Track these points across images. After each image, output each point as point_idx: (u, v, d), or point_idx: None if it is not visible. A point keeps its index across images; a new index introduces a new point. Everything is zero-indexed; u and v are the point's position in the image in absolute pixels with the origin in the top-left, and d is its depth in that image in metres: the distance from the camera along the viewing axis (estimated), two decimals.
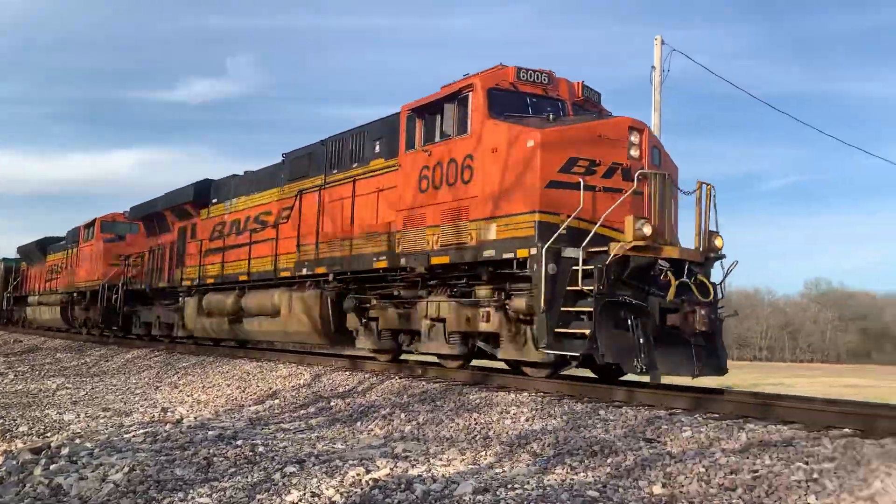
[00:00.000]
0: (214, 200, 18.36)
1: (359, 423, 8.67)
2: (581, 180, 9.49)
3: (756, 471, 5.24)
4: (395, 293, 12.05)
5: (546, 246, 9.13)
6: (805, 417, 6.99)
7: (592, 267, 8.94)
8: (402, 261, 11.56)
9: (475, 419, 8.03)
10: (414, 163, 11.56)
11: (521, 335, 9.82)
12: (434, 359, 11.66)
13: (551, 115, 10.44)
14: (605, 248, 9.08)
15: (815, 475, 4.95)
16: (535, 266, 9.28)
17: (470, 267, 10.48)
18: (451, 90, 10.96)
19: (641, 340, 8.73)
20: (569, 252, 9.25)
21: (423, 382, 10.45)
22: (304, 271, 14.09)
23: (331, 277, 13.32)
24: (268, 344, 18.44)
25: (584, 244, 9.15)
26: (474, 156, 10.42)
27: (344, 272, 13.01)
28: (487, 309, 10.30)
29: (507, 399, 8.70)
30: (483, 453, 6.76)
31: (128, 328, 23.23)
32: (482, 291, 10.51)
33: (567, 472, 5.87)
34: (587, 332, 8.79)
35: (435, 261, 10.91)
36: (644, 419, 7.13)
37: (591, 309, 8.81)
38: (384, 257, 11.94)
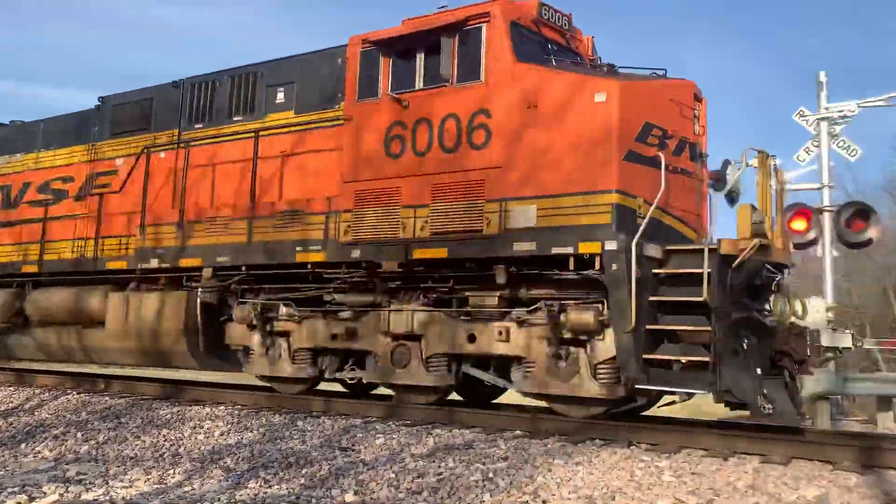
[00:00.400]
0: None
1: (23, 445, 7.72)
2: (659, 155, 7.05)
3: (440, 473, 5.55)
4: (329, 298, 8.54)
5: (635, 240, 6.57)
6: (485, 422, 7.20)
7: (699, 271, 6.55)
8: (355, 253, 8.16)
9: (164, 435, 7.54)
10: (376, 117, 8.27)
11: (570, 362, 7.09)
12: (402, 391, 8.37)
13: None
14: (703, 247, 6.73)
15: (490, 474, 5.35)
16: (613, 266, 6.66)
17: (479, 263, 7.49)
18: (449, 19, 7.85)
19: (759, 371, 6.52)
20: (651, 250, 6.78)
21: (107, 398, 9.49)
22: (156, 263, 9.77)
23: (208, 274, 9.27)
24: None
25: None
26: (492, 111, 7.50)
27: (235, 267, 9.08)
28: (506, 324, 7.41)
29: (201, 413, 8.27)
30: (171, 472, 6.32)
31: None
32: (489, 300, 7.60)
33: (260, 486, 5.71)
34: (704, 359, 6.36)
35: (421, 254, 7.73)
36: (340, 428, 7.17)
37: (707, 328, 6.41)
38: (318, 247, 8.42)
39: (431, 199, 7.73)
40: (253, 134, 9.23)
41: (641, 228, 6.70)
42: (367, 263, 8.14)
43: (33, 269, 11.38)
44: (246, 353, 9.36)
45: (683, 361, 6.48)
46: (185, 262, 9.54)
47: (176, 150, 10.08)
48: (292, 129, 9.06)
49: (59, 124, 12.03)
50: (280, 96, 9.50)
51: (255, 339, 9.14)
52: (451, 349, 7.78)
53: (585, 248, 6.84)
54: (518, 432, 6.85)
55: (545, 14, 8.11)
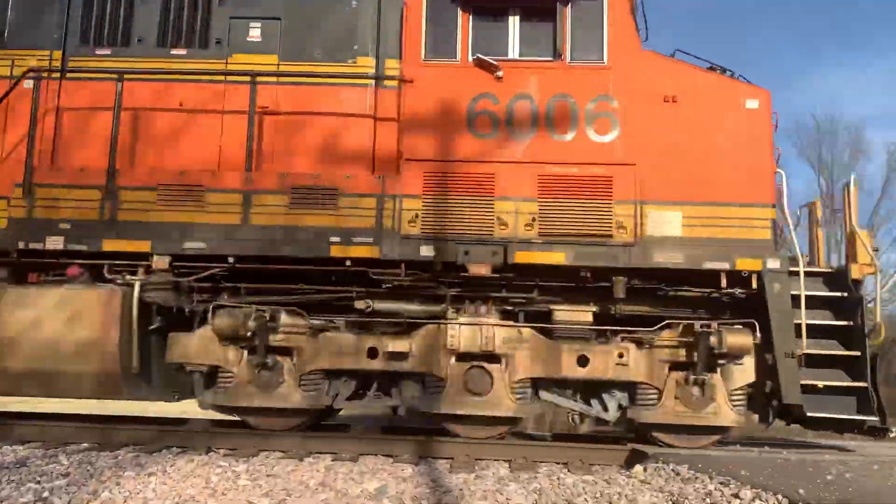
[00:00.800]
0: None
1: None
2: (780, 171, 6.86)
3: None
4: (364, 307, 6.63)
5: (802, 259, 6.30)
6: (44, 436, 6.55)
7: (834, 294, 6.50)
8: (426, 251, 6.44)
9: None
10: (452, 84, 6.64)
11: (705, 389, 6.46)
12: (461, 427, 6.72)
13: None
14: (831, 269, 6.72)
15: (45, 493, 4.72)
16: (776, 286, 6.26)
17: (595, 273, 6.48)
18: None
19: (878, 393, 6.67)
20: (809, 269, 6.58)
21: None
22: (60, 244, 6.60)
23: (162, 264, 6.54)
24: None
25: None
26: (617, 98, 6.55)
27: (216, 257, 6.54)
28: (624, 345, 6.50)
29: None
30: None
31: None
32: (582, 315, 6.64)
33: None
34: (860, 384, 6.29)
35: (528, 258, 6.39)
36: None
37: (857, 353, 6.36)
38: (369, 239, 6.47)
39: (538, 192, 6.41)
40: (224, 78, 6.76)
41: (797, 246, 6.37)
42: (443, 265, 6.44)
43: None
44: (210, 377, 6.74)
45: (841, 386, 6.28)
46: (116, 246, 6.54)
47: (83, 81, 6.90)
48: (286, 78, 6.82)
49: None
50: (253, 32, 7.13)
51: (238, 356, 6.63)
52: (546, 373, 6.52)
53: (745, 264, 6.28)
54: (85, 445, 6.36)
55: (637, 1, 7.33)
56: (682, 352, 6.44)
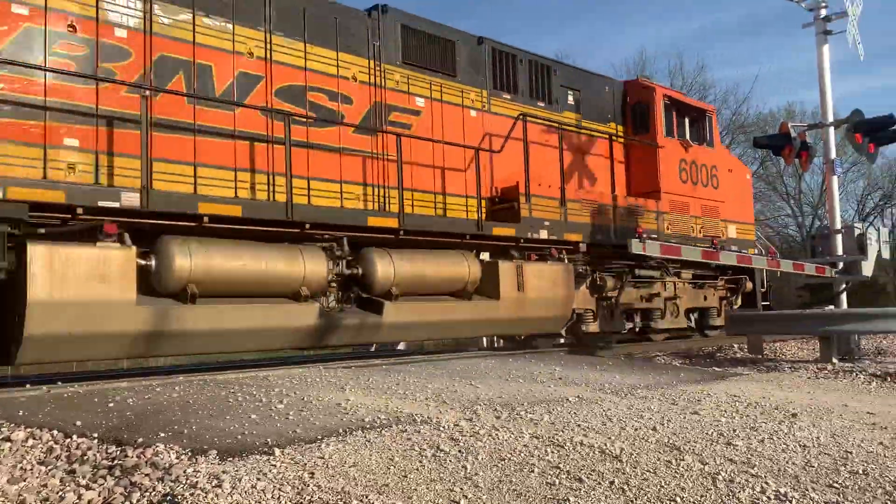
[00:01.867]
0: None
1: None
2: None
3: None
4: (636, 273, 11.94)
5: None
6: None
7: None
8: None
9: None
10: (673, 151, 12.41)
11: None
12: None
13: None
14: None
15: None
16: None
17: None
18: (695, 104, 13.21)
19: None
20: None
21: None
22: (545, 234, 10.09)
23: (583, 248, 10.72)
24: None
25: None
26: (717, 168, 13.36)
27: (597, 244, 10.85)
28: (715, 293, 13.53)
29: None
30: None
31: None
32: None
33: None
34: None
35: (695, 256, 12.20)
36: None
37: None
38: (655, 236, 11.86)
39: (701, 213, 12.78)
40: (606, 135, 11.28)
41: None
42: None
43: (389, 223, 8.32)
44: (588, 317, 11.03)
45: None
46: (569, 237, 10.31)
47: (517, 120, 10.04)
48: (591, 133, 11.38)
49: (314, 8, 8.39)
50: (570, 98, 11.51)
51: (594, 304, 11.13)
52: (692, 304, 12.97)
53: (749, 252, 13.90)
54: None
55: None
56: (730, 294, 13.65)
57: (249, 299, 7.11)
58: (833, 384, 7.71)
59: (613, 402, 5.95)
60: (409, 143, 8.71)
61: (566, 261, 10.20)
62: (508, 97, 10.29)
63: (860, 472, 4.03)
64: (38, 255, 5.84)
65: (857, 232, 11.85)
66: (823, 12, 11.38)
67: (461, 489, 3.61)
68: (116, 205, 6.35)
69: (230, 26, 7.63)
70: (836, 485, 3.84)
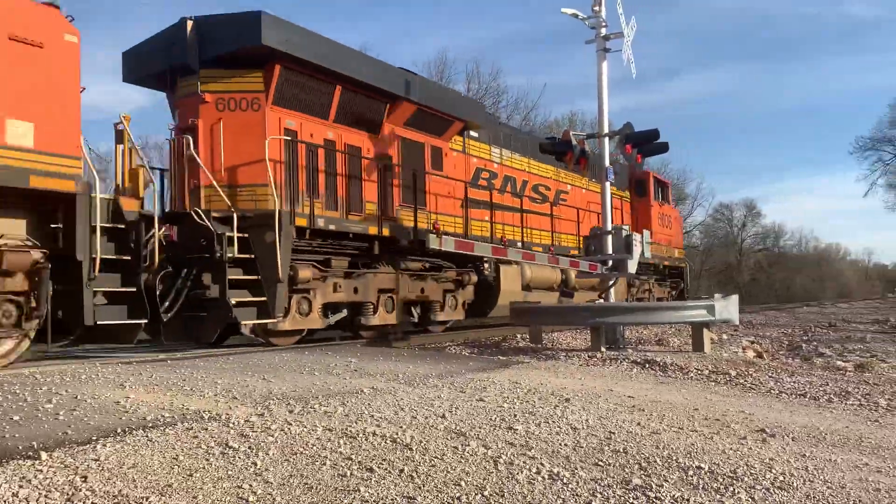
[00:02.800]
0: (474, 135, 14.83)
1: None
2: None
3: None
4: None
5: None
6: None
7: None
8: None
9: None
10: (657, 208, 21.18)
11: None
12: None
13: None
14: None
15: None
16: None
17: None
18: (664, 181, 21.07)
19: None
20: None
21: None
22: None
23: None
24: None
25: None
26: (671, 217, 21.07)
27: None
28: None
29: None
30: None
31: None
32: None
33: None
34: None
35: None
36: None
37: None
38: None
39: (666, 243, 15.94)
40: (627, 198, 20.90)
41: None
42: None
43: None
44: None
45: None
46: None
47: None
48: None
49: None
50: (588, 173, 17.00)
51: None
52: None
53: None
54: None
55: None
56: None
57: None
58: (601, 371, 8.49)
59: (406, 392, 6.10)
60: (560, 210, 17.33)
61: None
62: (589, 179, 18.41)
63: (621, 450, 4.48)
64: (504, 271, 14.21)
65: (624, 233, 13.11)
66: (603, 31, 12.39)
67: (250, 485, 3.52)
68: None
69: (525, 158, 16.43)
70: (601, 463, 4.24)
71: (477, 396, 6.06)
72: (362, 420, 4.93)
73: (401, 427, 4.76)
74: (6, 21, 7.26)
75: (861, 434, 5.30)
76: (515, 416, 5.33)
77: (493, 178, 15.21)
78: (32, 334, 7.52)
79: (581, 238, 16.91)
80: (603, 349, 10.41)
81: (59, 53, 7.65)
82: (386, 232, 11.60)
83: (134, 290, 8.01)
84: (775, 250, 77.79)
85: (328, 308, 11.11)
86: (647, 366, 8.91)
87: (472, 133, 14.72)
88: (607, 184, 12.26)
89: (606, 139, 12.38)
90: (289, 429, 4.58)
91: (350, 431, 4.58)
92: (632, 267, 11.94)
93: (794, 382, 8.10)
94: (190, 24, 10.07)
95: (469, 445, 4.40)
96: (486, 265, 14.16)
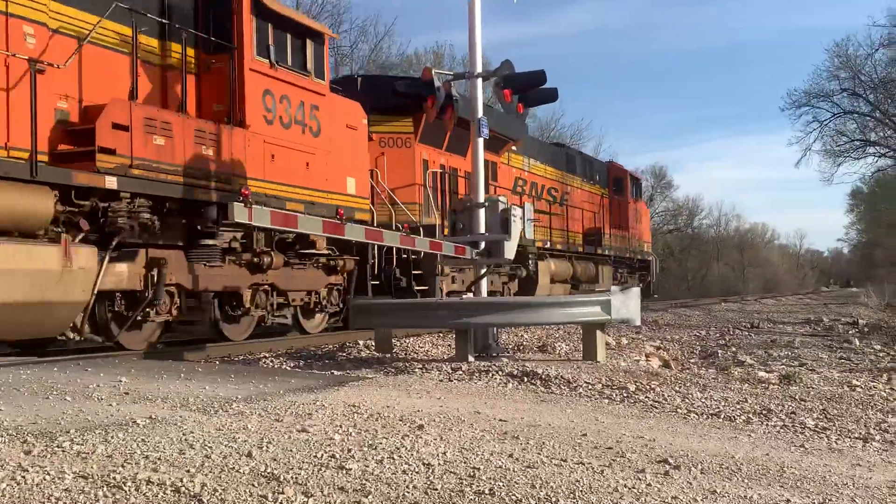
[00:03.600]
0: (514, 150, 23.84)
1: None
2: None
3: None
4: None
5: None
6: None
7: None
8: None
9: None
10: (633, 205, 32.09)
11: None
12: None
13: None
14: None
15: None
16: None
17: None
18: (637, 176, 32.93)
19: None
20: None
21: None
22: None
23: None
24: None
25: None
26: (641, 212, 34.80)
27: None
28: None
29: None
30: None
31: None
32: None
33: None
34: None
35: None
36: None
37: None
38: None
39: (637, 237, 28.61)
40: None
41: None
42: None
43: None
44: None
45: None
46: None
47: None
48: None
49: (551, 151, 27.80)
50: (597, 176, 30.87)
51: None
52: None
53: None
54: None
55: None
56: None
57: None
58: (467, 387, 8.67)
59: (199, 423, 5.94)
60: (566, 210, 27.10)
61: None
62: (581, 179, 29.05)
63: (487, 491, 4.58)
64: (540, 266, 24.14)
65: (500, 207, 13.37)
66: None
67: None
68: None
69: (542, 164, 25.97)
70: None
71: (299, 426, 5.99)
72: (133, 463, 4.74)
73: (188, 471, 4.62)
74: (345, 115, 14.80)
75: (783, 463, 5.71)
76: (350, 450, 5.31)
77: (524, 184, 24.62)
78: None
79: (583, 235, 27.91)
80: (471, 358, 10.63)
81: (361, 130, 15.47)
82: None
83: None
84: (689, 231, 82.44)
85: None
86: (526, 379, 9.18)
87: (514, 148, 23.37)
88: (479, 141, 12.46)
89: (479, 81, 12.57)
90: (24, 478, 4.32)
91: (114, 479, 4.39)
92: (509, 251, 12.24)
93: (707, 399, 8.62)
94: (359, 80, 18.44)
95: (284, 493, 4.34)
96: (530, 260, 23.04)
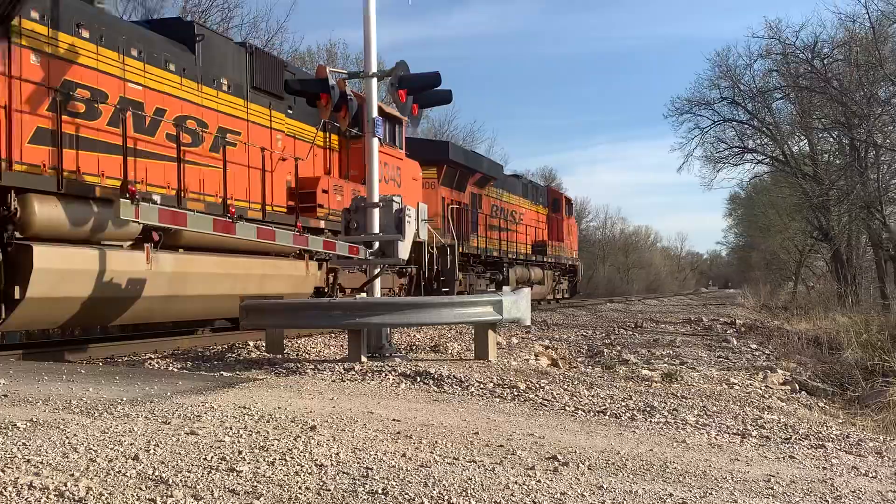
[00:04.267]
0: (492, 185, 31.34)
1: None
2: None
3: None
4: None
5: None
6: None
7: None
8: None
9: None
10: (566, 220, 41.01)
11: None
12: None
13: None
14: None
15: None
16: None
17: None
18: (569, 198, 42.63)
19: None
20: None
21: None
22: None
23: None
24: None
25: None
26: (571, 227, 44.33)
27: None
28: None
29: None
30: None
31: None
32: None
33: None
34: None
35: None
36: None
37: None
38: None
39: (566, 245, 35.32)
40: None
41: None
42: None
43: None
44: None
45: None
46: None
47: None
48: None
49: (512, 182, 35.27)
50: (540, 197, 39.05)
51: None
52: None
53: None
54: None
55: None
56: None
57: None
58: (360, 388, 8.64)
59: (82, 426, 5.76)
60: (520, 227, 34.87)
61: None
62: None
63: (380, 491, 4.58)
64: (510, 272, 32.63)
65: (395, 207, 13.38)
66: None
67: None
68: None
69: (508, 193, 34.27)
70: None
71: (187, 428, 5.87)
72: (13, 467, 4.56)
73: (72, 475, 4.48)
74: (412, 171, 21.65)
75: (666, 458, 5.89)
76: (241, 452, 5.24)
77: (498, 210, 31.51)
78: None
79: (532, 246, 35.06)
80: (364, 359, 10.60)
81: (419, 180, 22.56)
82: None
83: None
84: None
85: None
86: (419, 379, 9.22)
87: (492, 183, 30.86)
88: (374, 140, 12.45)
89: (374, 81, 12.55)
90: None
91: None
92: (403, 251, 12.26)
93: (594, 396, 8.83)
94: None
95: (173, 497, 4.25)
96: (504, 266, 30.60)
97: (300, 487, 4.58)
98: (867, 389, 14.11)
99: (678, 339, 19.00)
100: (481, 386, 9.00)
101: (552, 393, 8.84)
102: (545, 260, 36.43)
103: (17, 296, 9.68)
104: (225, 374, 9.45)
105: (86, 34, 11.03)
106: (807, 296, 47.32)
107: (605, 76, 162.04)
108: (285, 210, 15.57)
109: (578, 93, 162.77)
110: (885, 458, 6.76)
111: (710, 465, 5.80)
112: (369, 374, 9.50)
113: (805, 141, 42.06)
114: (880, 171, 32.73)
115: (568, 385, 9.48)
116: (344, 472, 4.92)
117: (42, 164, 10.17)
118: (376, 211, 12.29)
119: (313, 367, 10.04)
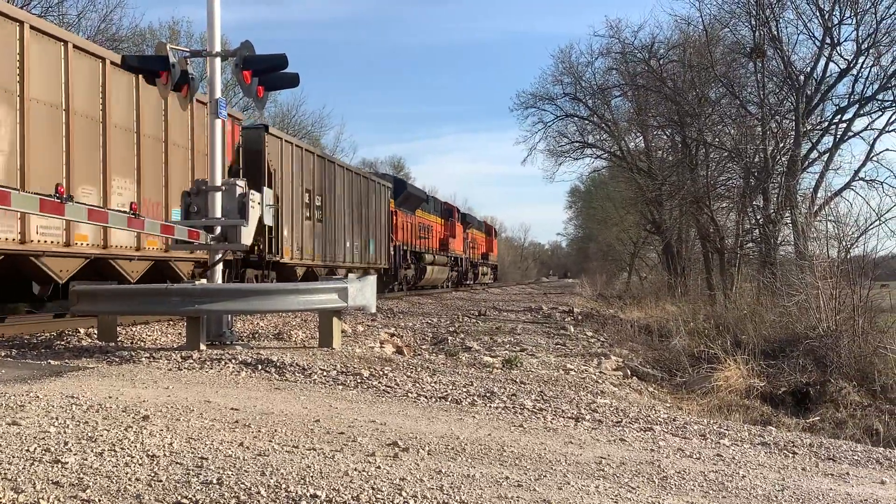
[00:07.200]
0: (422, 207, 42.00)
1: None
2: None
3: None
4: None
5: None
6: None
7: None
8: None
9: None
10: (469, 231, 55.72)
11: None
12: None
13: None
14: None
15: None
16: None
17: None
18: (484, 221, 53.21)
19: None
20: None
21: None
22: None
23: None
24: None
25: None
26: (481, 238, 55.85)
27: None
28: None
29: None
30: None
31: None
32: None
33: None
34: None
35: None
36: None
37: None
38: None
39: (484, 254, 46.79)
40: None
41: None
42: None
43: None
44: None
45: None
46: None
47: None
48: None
49: (433, 204, 46.69)
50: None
51: None
52: None
53: None
54: None
55: None
56: None
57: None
58: (198, 376, 8.38)
59: None
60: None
61: None
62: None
63: (214, 481, 4.43)
64: (427, 268, 47.42)
65: (238, 191, 13.01)
66: None
67: None
68: None
69: (428, 214, 44.55)
70: (185, 500, 4.14)
71: (9, 419, 5.54)
72: None
73: None
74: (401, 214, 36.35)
75: (503, 442, 5.98)
76: (67, 443, 4.97)
77: (423, 227, 40.80)
78: None
79: (438, 247, 45.52)
80: (203, 346, 10.29)
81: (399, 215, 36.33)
82: None
83: None
84: None
85: None
86: (261, 367, 9.03)
87: (422, 206, 41.67)
88: (217, 122, 12.07)
89: (218, 61, 12.17)
90: None
91: None
92: (246, 236, 11.96)
93: (436, 383, 8.88)
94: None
95: None
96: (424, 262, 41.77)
97: (129, 479, 4.38)
98: (693, 375, 14.81)
99: (519, 326, 19.40)
100: (324, 374, 8.90)
101: (395, 380, 8.84)
102: (447, 256, 48.00)
103: None
104: (53, 362, 8.99)
105: None
106: (640, 286, 49.36)
107: (456, 68, 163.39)
108: None
109: (431, 82, 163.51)
110: (709, 440, 7.10)
111: (545, 448, 5.93)
112: (208, 363, 9.23)
113: (641, 138, 43.63)
114: (709, 169, 34.30)
115: (411, 372, 9.50)
116: (177, 463, 4.74)
117: None
118: (219, 195, 11.94)
119: (149, 355, 9.67)
